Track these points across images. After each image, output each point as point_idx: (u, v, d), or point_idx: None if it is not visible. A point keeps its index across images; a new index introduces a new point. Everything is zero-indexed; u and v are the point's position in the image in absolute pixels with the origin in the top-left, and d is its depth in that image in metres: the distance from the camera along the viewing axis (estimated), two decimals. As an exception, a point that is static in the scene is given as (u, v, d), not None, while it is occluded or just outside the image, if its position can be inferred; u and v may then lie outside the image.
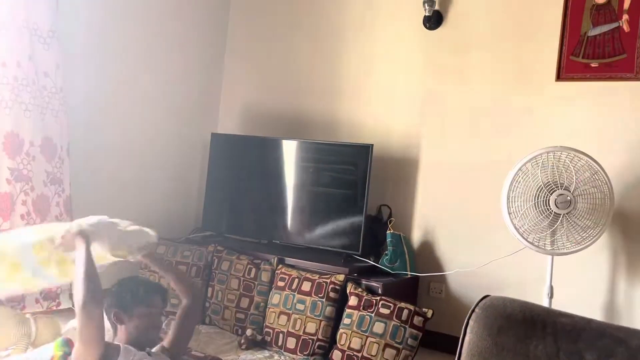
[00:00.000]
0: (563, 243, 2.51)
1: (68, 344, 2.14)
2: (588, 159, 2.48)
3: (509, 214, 2.59)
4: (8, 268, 2.11)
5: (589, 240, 2.46)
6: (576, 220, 2.49)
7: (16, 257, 2.05)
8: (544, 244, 2.54)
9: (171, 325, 2.24)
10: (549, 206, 2.52)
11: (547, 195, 2.52)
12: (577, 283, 2.76)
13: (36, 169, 2.63)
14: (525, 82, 2.99)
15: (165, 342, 2.13)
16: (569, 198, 2.49)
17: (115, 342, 1.99)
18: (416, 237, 3.30)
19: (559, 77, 2.87)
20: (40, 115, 2.63)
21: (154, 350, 2.03)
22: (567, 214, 2.49)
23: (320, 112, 3.62)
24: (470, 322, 1.26)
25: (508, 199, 2.59)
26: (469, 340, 1.24)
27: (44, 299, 2.68)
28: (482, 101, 3.11)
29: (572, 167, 2.50)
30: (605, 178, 2.47)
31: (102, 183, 3.24)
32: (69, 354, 2.13)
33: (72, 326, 2.58)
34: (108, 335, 1.99)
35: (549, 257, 2.58)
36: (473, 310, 1.28)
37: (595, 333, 1.13)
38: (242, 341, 2.85)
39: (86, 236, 1.97)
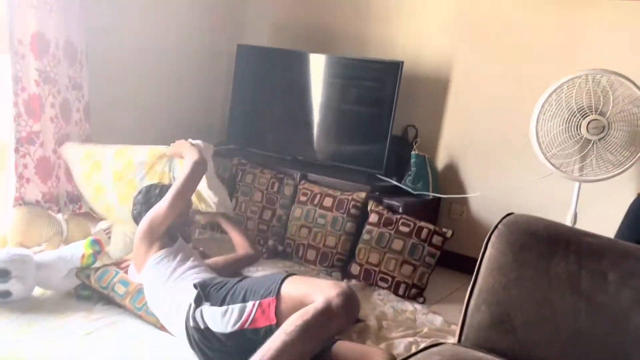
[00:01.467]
0: (592, 169, 2.46)
1: (98, 243, 2.23)
2: (630, 84, 2.36)
3: (537, 137, 2.52)
4: (91, 165, 2.55)
5: (621, 168, 2.40)
6: (608, 148, 2.42)
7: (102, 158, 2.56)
8: (572, 169, 2.49)
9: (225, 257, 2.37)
10: (580, 131, 2.45)
11: (580, 119, 2.44)
12: (601, 212, 2.72)
13: (61, 72, 2.62)
14: None
15: (211, 261, 2.25)
16: (603, 124, 2.41)
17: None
18: (441, 159, 3.26)
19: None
20: (64, 16, 2.58)
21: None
22: (598, 140, 2.42)
23: (350, 27, 3.49)
24: (493, 238, 1.26)
25: (538, 121, 2.52)
26: (490, 255, 1.25)
27: (70, 201, 2.76)
28: (521, 20, 2.95)
29: (610, 92, 2.40)
30: None
31: (122, 92, 3.22)
32: (99, 252, 2.22)
33: (101, 228, 2.68)
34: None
35: (576, 183, 2.54)
36: (496, 227, 1.27)
37: (620, 253, 1.11)
38: (264, 251, 2.93)
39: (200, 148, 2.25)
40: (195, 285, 1.78)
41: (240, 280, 1.79)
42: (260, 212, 3.13)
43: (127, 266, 2.15)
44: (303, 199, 3.01)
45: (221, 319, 1.67)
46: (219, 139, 3.80)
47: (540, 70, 2.89)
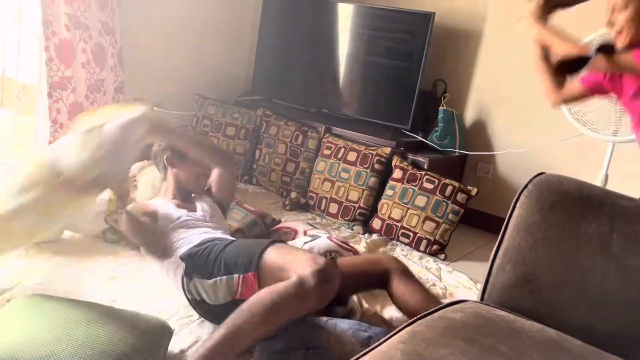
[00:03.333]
0: (628, 130, 2.37)
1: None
2: None
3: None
4: None
5: None
6: None
7: None
8: (607, 130, 2.41)
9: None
10: None
11: None
12: (633, 174, 2.65)
13: (92, 16, 2.60)
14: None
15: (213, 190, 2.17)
16: None
17: (164, 186, 2.05)
18: (469, 116, 3.19)
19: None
20: (91, -40, 2.55)
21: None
22: None
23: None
24: (522, 197, 1.22)
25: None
26: (518, 214, 1.22)
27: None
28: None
29: None
30: None
31: (152, 38, 3.20)
32: (125, 198, 2.25)
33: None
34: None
35: (610, 145, 2.46)
36: (526, 186, 1.24)
37: (655, 217, 1.08)
38: (287, 202, 2.95)
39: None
40: (182, 258, 1.73)
41: (225, 247, 1.70)
42: (284, 165, 3.13)
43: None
44: (327, 152, 3.00)
45: (213, 292, 1.64)
46: (244, 89, 3.77)
47: (585, 22, 2.76)
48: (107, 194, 2.20)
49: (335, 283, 1.46)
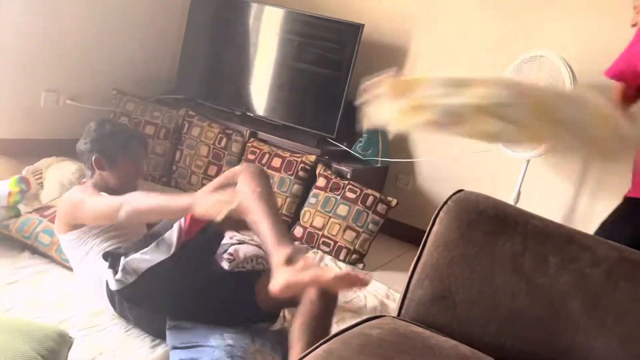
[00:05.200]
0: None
1: (24, 181, 2.09)
2: (551, 62, 2.39)
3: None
4: None
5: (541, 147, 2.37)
6: None
7: None
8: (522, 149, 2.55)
9: None
10: None
11: None
12: (544, 192, 2.80)
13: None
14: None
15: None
16: None
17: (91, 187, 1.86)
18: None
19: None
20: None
21: None
22: None
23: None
24: (441, 214, 1.24)
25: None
26: (437, 231, 1.23)
27: None
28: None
29: (535, 69, 2.45)
30: (569, 81, 2.32)
31: (69, 25, 3.01)
32: (26, 191, 2.08)
33: (29, 169, 2.51)
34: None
35: (524, 162, 2.58)
36: (445, 202, 1.25)
37: (563, 238, 1.13)
38: (206, 207, 2.85)
39: None
40: (104, 256, 1.63)
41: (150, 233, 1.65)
42: (206, 167, 3.04)
43: (53, 214, 2.01)
44: (251, 157, 2.94)
45: (157, 252, 1.57)
46: (167, 87, 3.63)
47: (504, 44, 2.89)
48: (6, 189, 2.02)
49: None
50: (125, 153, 1.87)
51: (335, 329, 1.37)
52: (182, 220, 1.59)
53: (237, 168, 1.77)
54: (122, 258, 1.59)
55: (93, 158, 1.85)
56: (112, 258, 1.62)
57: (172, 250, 1.58)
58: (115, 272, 1.60)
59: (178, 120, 3.15)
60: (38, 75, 2.96)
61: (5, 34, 2.71)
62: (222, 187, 1.70)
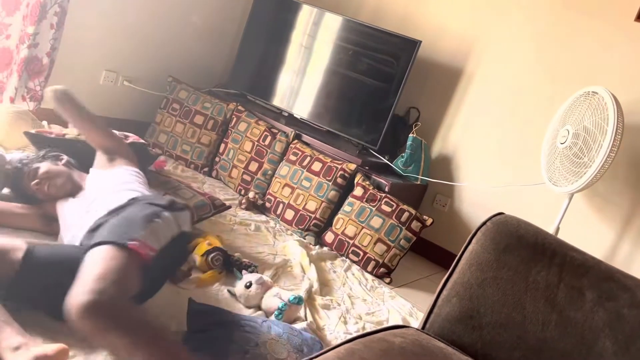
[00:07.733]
0: (558, 177, 2.47)
1: None
2: (600, 98, 2.33)
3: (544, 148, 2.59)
4: None
5: (580, 179, 2.33)
6: (571, 157, 2.39)
7: None
8: (546, 176, 2.57)
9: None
10: (556, 140, 2.51)
11: (558, 129, 2.52)
12: (584, 232, 2.73)
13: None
14: (601, 15, 2.75)
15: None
16: (568, 132, 2.42)
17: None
18: (437, 148, 3.23)
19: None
20: None
21: None
22: (563, 148, 2.43)
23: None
24: (479, 234, 1.23)
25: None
26: (472, 250, 1.22)
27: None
28: (548, 24, 2.89)
29: (585, 105, 2.40)
30: (613, 119, 2.24)
31: (135, 13, 3.12)
32: None
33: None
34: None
35: (567, 198, 2.52)
36: (484, 223, 1.24)
37: (603, 275, 1.10)
38: (243, 201, 2.90)
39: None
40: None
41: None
42: (247, 163, 3.08)
43: None
44: (292, 158, 2.97)
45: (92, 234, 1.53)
46: (219, 80, 3.71)
47: (565, 77, 2.84)
48: None
49: None
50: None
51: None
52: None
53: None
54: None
55: (63, 161, 2.00)
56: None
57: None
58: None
59: (227, 114, 3.21)
60: (101, 54, 3.08)
61: (78, 12, 2.82)
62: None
